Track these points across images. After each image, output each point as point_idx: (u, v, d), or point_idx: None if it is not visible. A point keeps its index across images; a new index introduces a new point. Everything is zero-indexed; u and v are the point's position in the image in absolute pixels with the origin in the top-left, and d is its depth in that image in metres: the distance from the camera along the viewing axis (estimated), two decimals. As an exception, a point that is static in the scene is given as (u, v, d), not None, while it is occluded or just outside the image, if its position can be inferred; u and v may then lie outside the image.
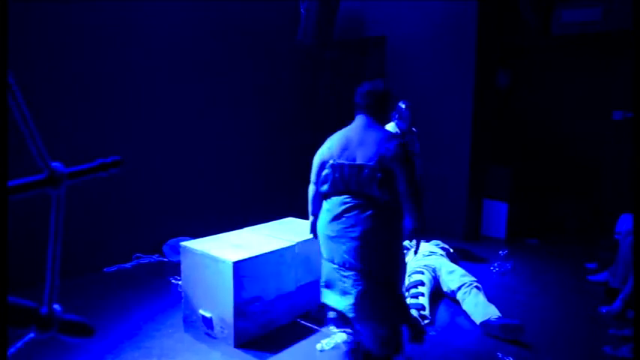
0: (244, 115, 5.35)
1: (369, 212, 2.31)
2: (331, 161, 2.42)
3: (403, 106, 4.20)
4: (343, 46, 6.28)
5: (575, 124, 5.94)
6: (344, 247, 2.33)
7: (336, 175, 2.38)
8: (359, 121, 2.48)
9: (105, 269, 4.00)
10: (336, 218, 2.37)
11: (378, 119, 2.47)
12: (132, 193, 4.21)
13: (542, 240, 5.25)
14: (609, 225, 3.93)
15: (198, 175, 4.84)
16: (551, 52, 5.95)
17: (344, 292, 2.36)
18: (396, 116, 4.20)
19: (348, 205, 2.35)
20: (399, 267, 2.43)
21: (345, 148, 2.40)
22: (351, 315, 2.36)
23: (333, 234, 2.38)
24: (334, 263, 2.40)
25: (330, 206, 2.42)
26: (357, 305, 2.31)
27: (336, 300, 2.41)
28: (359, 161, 2.32)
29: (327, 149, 2.50)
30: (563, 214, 6.01)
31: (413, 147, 4.18)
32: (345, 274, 2.35)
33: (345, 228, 2.34)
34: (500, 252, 4.42)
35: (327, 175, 2.44)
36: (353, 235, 2.31)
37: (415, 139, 4.31)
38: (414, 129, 4.37)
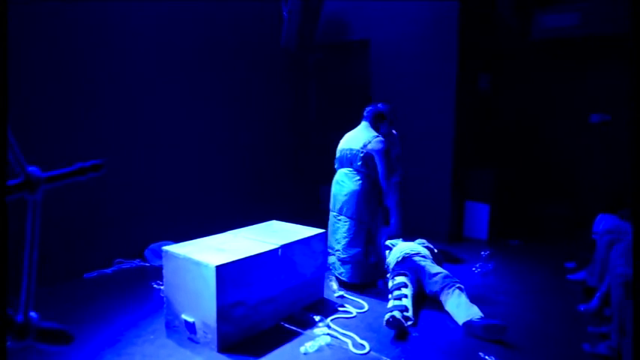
0: (227, 118, 5.33)
1: (356, 179, 3.66)
2: (340, 148, 3.79)
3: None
4: (327, 50, 6.31)
5: (555, 126, 6.07)
6: (341, 200, 3.69)
7: (342, 156, 3.77)
8: (363, 126, 3.80)
9: (85, 275, 3.93)
10: (337, 183, 3.77)
11: (374, 126, 3.79)
12: (113, 196, 4.15)
13: (524, 241, 5.33)
14: (588, 225, 4.01)
15: (181, 179, 4.80)
16: (531, 56, 6.06)
17: (337, 239, 3.72)
18: None
19: (345, 175, 3.73)
20: (374, 215, 3.69)
21: (349, 141, 3.76)
22: (343, 255, 3.69)
23: (335, 192, 3.78)
24: (334, 211, 3.77)
25: (337, 176, 3.82)
26: (347, 245, 3.67)
27: (335, 243, 3.76)
28: (353, 148, 3.67)
29: (341, 142, 3.84)
30: (543, 214, 6.12)
31: (394, 149, 4.23)
32: (340, 218, 3.73)
33: (342, 188, 3.71)
34: (482, 253, 4.47)
35: (338, 157, 3.82)
36: (345, 192, 3.67)
37: (396, 142, 4.35)
38: (394, 132, 4.41)
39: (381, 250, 3.81)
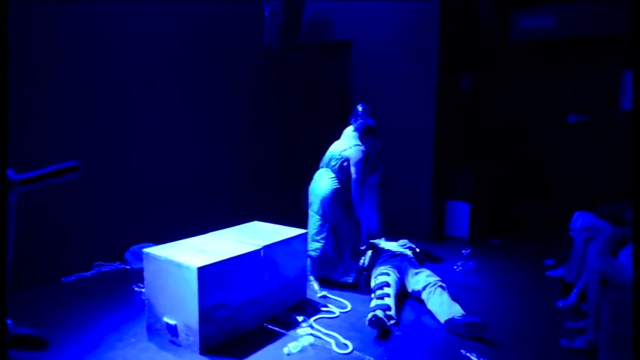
0: (209, 118, 5.29)
1: (329, 177, 3.82)
2: (327, 151, 3.97)
3: (360, 108, 4.33)
4: (309, 50, 6.31)
5: (535, 126, 6.18)
6: (313, 197, 3.86)
7: (324, 158, 3.95)
8: (351, 135, 3.98)
9: (63, 279, 3.85)
10: (313, 180, 3.94)
11: (362, 137, 3.95)
12: (92, 197, 4.08)
13: (504, 239, 5.41)
14: (566, 223, 4.10)
15: (161, 180, 4.74)
16: (511, 57, 6.16)
17: (313, 239, 3.79)
18: (354, 119, 4.29)
19: (320, 174, 3.90)
20: (341, 214, 3.80)
21: (335, 145, 3.96)
22: (317, 254, 3.77)
23: (310, 189, 3.94)
24: (313, 210, 3.86)
25: (316, 175, 3.97)
26: (311, 240, 3.80)
27: (310, 246, 3.78)
28: (335, 151, 3.87)
29: (331, 147, 4.01)
30: (523, 213, 6.23)
31: (373, 149, 4.26)
32: (311, 214, 3.89)
33: (315, 186, 3.88)
34: (463, 251, 4.52)
35: (322, 159, 3.98)
36: (317, 189, 3.82)
37: (376, 143, 4.38)
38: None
39: (345, 249, 3.85)
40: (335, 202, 3.76)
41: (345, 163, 3.79)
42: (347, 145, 3.86)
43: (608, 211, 3.79)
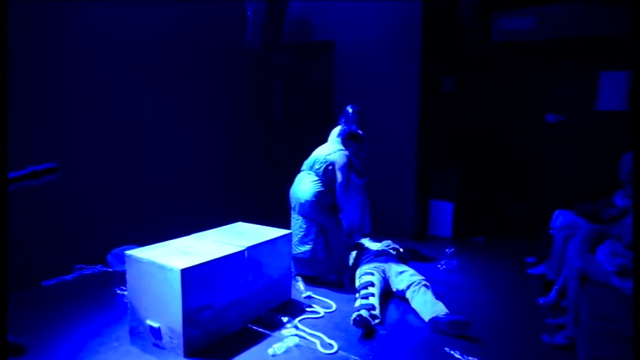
0: (192, 119, 5.24)
1: (312, 180, 3.87)
2: (311, 156, 4.03)
3: (350, 110, 4.34)
4: (292, 50, 6.30)
5: (517, 126, 6.27)
6: (295, 198, 3.90)
7: (307, 161, 4.00)
8: (335, 140, 4.09)
9: (44, 282, 3.78)
10: (295, 182, 3.99)
11: (345, 143, 4.05)
12: (73, 199, 4.01)
13: (488, 238, 5.48)
14: (547, 221, 4.17)
15: (143, 181, 4.69)
16: (493, 58, 6.24)
17: (302, 242, 3.83)
18: (343, 119, 4.30)
19: (303, 177, 3.96)
20: (326, 215, 3.85)
21: (318, 150, 4.03)
22: (307, 255, 3.80)
23: (292, 190, 3.98)
24: (296, 212, 3.91)
25: (297, 178, 4.02)
26: (299, 242, 3.83)
27: (299, 249, 3.82)
28: (319, 155, 3.94)
29: (314, 152, 4.08)
30: (506, 212, 6.31)
31: (359, 155, 4.28)
32: (294, 215, 3.93)
33: (297, 187, 3.92)
34: (447, 250, 4.57)
35: (305, 162, 4.04)
36: (299, 191, 3.87)
37: (364, 148, 4.41)
38: (360, 132, 4.46)
39: (336, 249, 3.90)
40: (318, 204, 3.80)
41: (330, 167, 3.85)
42: (331, 149, 3.93)
43: (587, 210, 3.87)
